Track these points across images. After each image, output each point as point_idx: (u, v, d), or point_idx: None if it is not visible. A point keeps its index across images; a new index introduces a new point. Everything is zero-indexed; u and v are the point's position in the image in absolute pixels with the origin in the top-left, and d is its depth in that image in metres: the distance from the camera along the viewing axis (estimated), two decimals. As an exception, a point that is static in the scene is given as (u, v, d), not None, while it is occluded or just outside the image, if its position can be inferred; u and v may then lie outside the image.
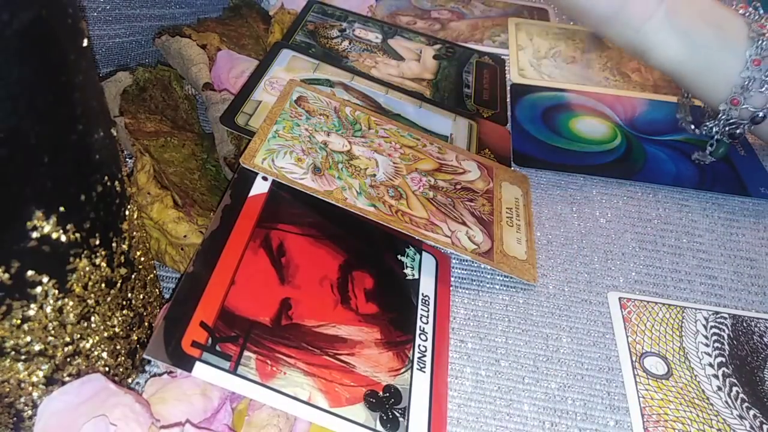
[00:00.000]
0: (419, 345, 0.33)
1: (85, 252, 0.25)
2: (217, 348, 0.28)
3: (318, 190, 0.36)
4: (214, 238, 0.32)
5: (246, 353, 0.28)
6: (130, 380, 0.31)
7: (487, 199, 0.41)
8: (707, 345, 0.35)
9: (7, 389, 0.26)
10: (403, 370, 0.31)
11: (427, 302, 0.35)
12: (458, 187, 0.41)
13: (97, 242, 0.26)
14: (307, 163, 0.38)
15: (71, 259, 0.25)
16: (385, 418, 0.29)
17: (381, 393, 0.30)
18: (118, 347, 0.29)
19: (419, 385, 0.31)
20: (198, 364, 0.27)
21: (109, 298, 0.27)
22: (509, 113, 0.51)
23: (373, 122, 0.43)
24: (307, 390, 0.28)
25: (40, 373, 0.26)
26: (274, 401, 0.27)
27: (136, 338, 0.30)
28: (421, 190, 0.39)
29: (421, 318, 0.34)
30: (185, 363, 0.27)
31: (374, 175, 0.39)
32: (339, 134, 0.41)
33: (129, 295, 0.29)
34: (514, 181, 0.44)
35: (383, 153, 0.41)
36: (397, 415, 0.29)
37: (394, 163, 0.40)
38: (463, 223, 0.39)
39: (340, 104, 0.43)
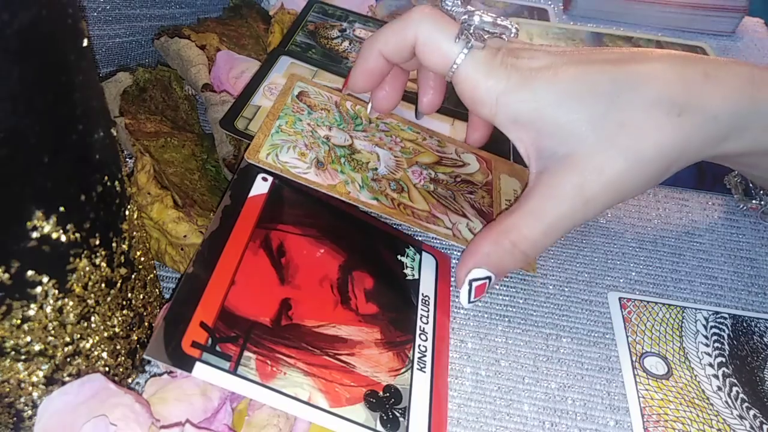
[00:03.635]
0: (419, 345, 0.33)
1: (85, 252, 0.25)
2: (217, 348, 0.28)
3: (321, 183, 0.36)
4: (214, 239, 0.32)
5: (246, 353, 0.28)
6: (130, 380, 0.31)
7: (486, 192, 0.41)
8: (707, 345, 0.35)
9: (7, 389, 0.26)
10: (403, 370, 0.31)
11: (427, 302, 0.35)
12: (458, 179, 0.41)
13: (97, 242, 0.26)
14: (310, 157, 0.38)
15: (71, 259, 0.25)
16: (385, 418, 0.29)
17: (381, 393, 0.30)
18: (118, 347, 0.29)
19: (419, 385, 0.31)
20: (198, 365, 0.27)
21: (109, 298, 0.27)
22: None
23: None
24: (307, 390, 0.28)
25: (40, 373, 0.26)
26: (275, 401, 0.27)
27: (136, 338, 0.30)
28: (422, 183, 0.39)
29: (421, 318, 0.34)
30: (185, 363, 0.27)
31: (376, 169, 0.39)
32: (341, 129, 0.41)
33: (129, 295, 0.29)
34: (512, 173, 0.44)
35: (384, 147, 0.41)
36: (398, 415, 0.29)
37: (395, 156, 0.41)
38: (464, 215, 0.39)
39: (341, 98, 0.43)
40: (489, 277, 0.34)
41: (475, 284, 0.34)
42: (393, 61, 0.36)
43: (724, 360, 0.35)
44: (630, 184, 0.31)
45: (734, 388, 0.33)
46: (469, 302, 0.34)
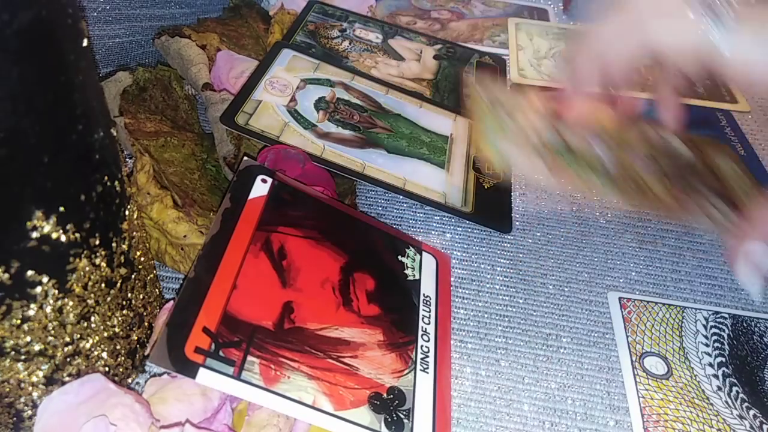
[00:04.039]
0: (422, 346, 0.33)
1: (85, 252, 0.25)
2: (221, 353, 0.27)
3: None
4: (215, 242, 0.32)
5: (249, 358, 0.28)
6: (130, 380, 0.31)
7: (710, 172, 0.38)
8: (707, 345, 0.35)
9: (7, 389, 0.26)
10: (406, 372, 0.31)
11: (428, 303, 0.35)
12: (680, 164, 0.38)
13: (97, 242, 0.26)
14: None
15: (71, 259, 0.25)
16: (389, 420, 0.29)
17: (385, 395, 0.30)
18: (118, 347, 0.29)
19: (423, 386, 0.31)
20: (202, 371, 0.27)
21: (108, 298, 0.27)
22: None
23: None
24: (312, 394, 0.28)
25: (40, 373, 0.26)
26: (279, 406, 0.27)
27: (136, 338, 0.30)
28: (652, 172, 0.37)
29: (423, 318, 0.34)
30: (189, 369, 0.26)
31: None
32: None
33: (129, 295, 0.29)
34: (721, 154, 0.40)
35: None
36: (402, 416, 0.29)
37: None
38: (706, 200, 0.37)
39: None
40: None
41: (763, 267, 0.33)
42: None
43: (724, 360, 0.35)
44: None
45: (734, 388, 0.33)
46: (758, 290, 0.35)
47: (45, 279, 0.24)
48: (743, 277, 0.33)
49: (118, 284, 0.28)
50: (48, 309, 0.25)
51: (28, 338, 0.25)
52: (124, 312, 0.28)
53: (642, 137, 0.38)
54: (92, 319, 0.27)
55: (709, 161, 0.38)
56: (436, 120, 0.48)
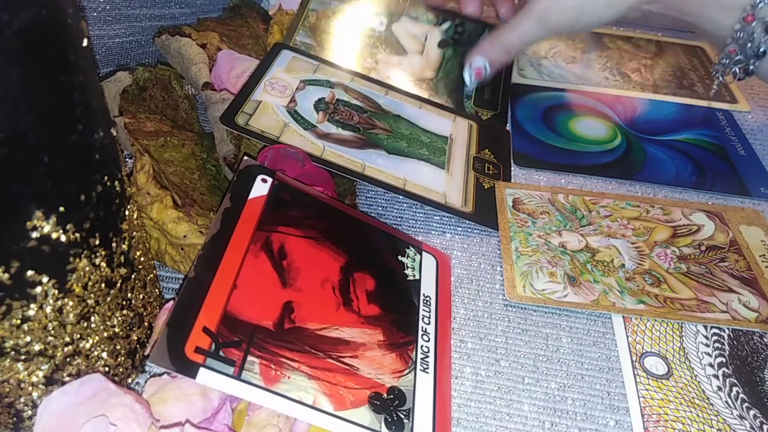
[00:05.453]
0: (422, 346, 0.33)
1: (85, 252, 0.25)
2: (221, 353, 0.27)
3: (584, 302, 0.36)
4: (215, 242, 0.31)
5: (250, 358, 0.28)
6: (130, 380, 0.31)
7: (736, 253, 0.40)
8: (707, 345, 0.35)
9: (7, 389, 0.26)
10: (406, 372, 0.31)
11: (428, 302, 0.35)
12: (703, 248, 0.40)
13: (97, 242, 0.26)
14: (560, 275, 0.37)
15: (71, 259, 0.25)
16: (389, 420, 0.29)
17: (385, 395, 0.30)
18: (118, 347, 0.29)
19: (423, 387, 0.31)
20: (202, 371, 0.27)
21: (108, 298, 0.27)
22: (509, 113, 0.51)
23: (588, 202, 0.43)
24: (312, 394, 0.28)
25: (40, 373, 0.26)
26: (279, 406, 0.27)
27: (135, 338, 0.30)
28: (673, 266, 0.38)
29: (423, 318, 0.34)
30: (189, 369, 0.26)
31: (623, 266, 0.38)
32: (569, 230, 0.40)
33: (129, 295, 0.29)
34: (749, 221, 0.42)
35: (617, 236, 0.40)
36: (402, 416, 0.29)
37: (632, 243, 0.40)
38: (730, 290, 0.38)
39: (551, 193, 0.43)
40: (485, 66, 0.49)
41: (474, 67, 0.49)
42: None
43: (724, 360, 0.35)
44: (579, 15, 0.46)
45: (734, 388, 0.33)
46: (471, 81, 0.49)
47: (45, 279, 0.24)
48: (465, 75, 0.50)
49: (118, 284, 0.28)
50: (48, 309, 0.25)
51: (28, 338, 0.25)
52: (124, 312, 0.28)
53: None
54: (92, 319, 0.27)
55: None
56: (436, 121, 0.48)
